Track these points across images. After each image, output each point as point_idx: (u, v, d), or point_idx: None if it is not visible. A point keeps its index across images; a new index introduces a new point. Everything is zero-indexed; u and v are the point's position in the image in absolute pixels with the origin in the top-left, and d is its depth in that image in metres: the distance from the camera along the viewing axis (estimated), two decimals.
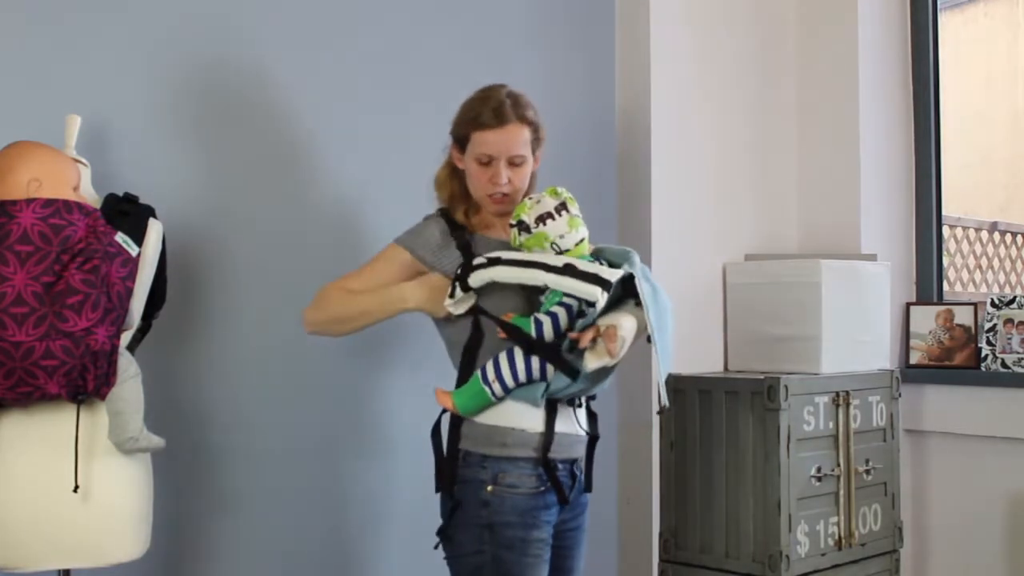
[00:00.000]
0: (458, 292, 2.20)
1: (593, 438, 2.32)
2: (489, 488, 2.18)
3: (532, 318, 2.15)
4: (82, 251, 1.94)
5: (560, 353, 2.14)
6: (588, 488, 2.34)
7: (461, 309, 2.23)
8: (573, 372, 2.14)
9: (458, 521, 2.21)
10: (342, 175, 2.84)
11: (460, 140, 2.32)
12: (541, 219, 2.19)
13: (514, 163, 2.27)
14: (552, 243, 2.19)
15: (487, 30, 3.16)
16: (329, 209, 2.82)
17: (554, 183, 2.31)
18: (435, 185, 2.39)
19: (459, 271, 2.22)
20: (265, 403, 2.67)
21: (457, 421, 2.24)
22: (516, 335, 2.15)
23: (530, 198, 2.24)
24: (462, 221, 2.33)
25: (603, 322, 2.14)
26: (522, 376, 2.16)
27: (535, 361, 2.15)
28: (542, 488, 2.19)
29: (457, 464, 2.22)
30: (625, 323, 2.16)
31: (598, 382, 2.23)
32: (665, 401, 2.27)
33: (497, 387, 2.17)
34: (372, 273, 2.33)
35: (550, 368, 2.15)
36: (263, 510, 2.66)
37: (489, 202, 2.30)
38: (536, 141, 2.32)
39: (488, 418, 2.21)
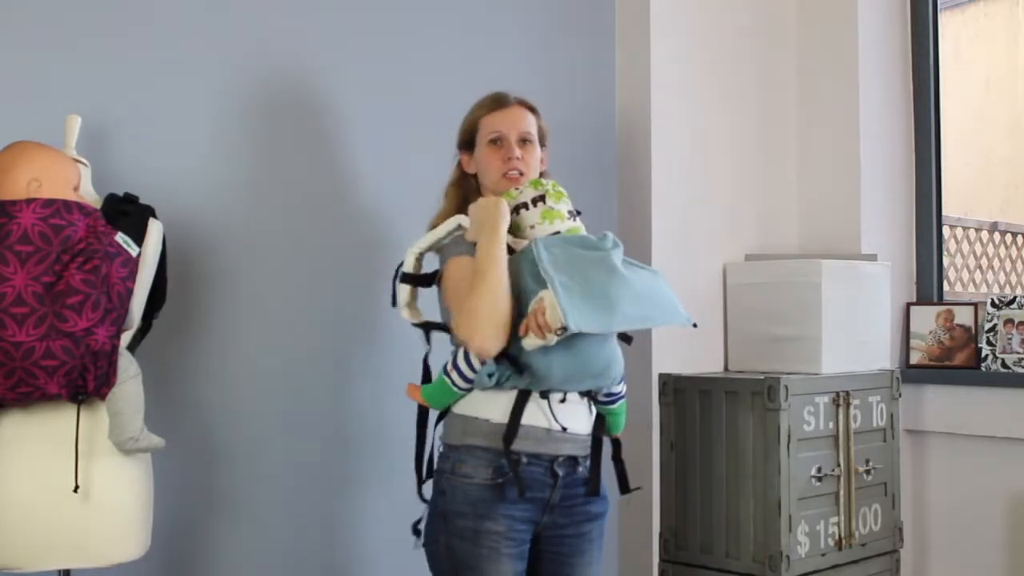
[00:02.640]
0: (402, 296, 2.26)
1: (595, 439, 2.26)
2: (448, 477, 2.20)
3: None
4: (82, 251, 1.94)
5: None
6: (593, 492, 2.26)
7: (410, 317, 2.28)
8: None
9: (428, 510, 2.25)
10: (342, 174, 2.84)
11: (468, 137, 2.37)
12: (517, 208, 2.20)
13: (523, 141, 2.32)
14: (523, 232, 2.19)
15: (488, 31, 3.16)
16: (329, 208, 2.82)
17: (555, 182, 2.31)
18: (444, 197, 2.41)
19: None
20: (265, 403, 2.67)
21: (424, 413, 2.29)
22: None
23: (516, 188, 2.25)
24: None
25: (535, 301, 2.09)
26: (476, 362, 2.16)
27: None
28: (499, 480, 2.15)
29: (425, 455, 2.28)
30: (548, 295, 2.08)
31: (549, 374, 2.13)
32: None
33: (455, 376, 2.19)
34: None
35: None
36: (263, 510, 2.66)
37: (505, 182, 2.30)
38: (540, 132, 2.38)
39: (457, 407, 2.23)
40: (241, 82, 2.67)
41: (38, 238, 1.91)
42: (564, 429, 2.20)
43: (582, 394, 2.24)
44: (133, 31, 2.49)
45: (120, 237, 2.01)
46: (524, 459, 2.16)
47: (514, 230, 2.20)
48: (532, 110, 2.38)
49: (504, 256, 2.13)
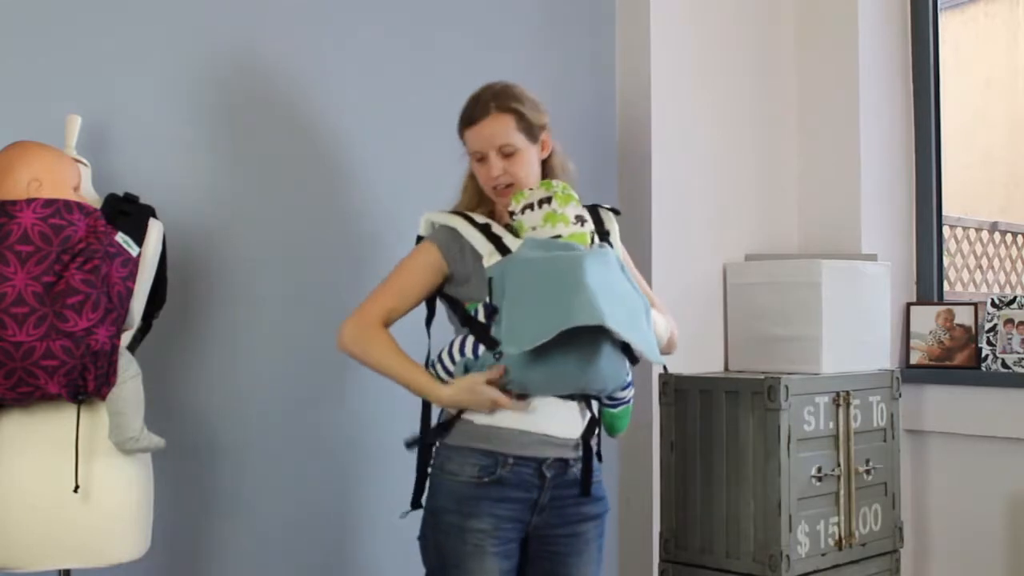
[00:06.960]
0: None
1: (585, 444, 2.23)
2: (437, 474, 2.21)
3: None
4: (82, 251, 1.94)
5: (487, 329, 2.14)
6: (584, 492, 2.24)
7: None
8: (492, 343, 2.12)
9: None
10: (341, 175, 2.84)
11: (463, 143, 2.34)
12: (524, 209, 2.20)
13: (505, 153, 2.25)
14: (525, 234, 2.18)
15: (488, 29, 3.16)
16: (329, 208, 2.82)
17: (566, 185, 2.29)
18: (462, 190, 2.38)
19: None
20: (266, 403, 2.67)
21: (426, 409, 2.28)
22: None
23: (531, 188, 2.24)
24: (484, 217, 2.29)
25: None
26: (456, 355, 2.18)
27: (469, 344, 2.17)
28: (485, 478, 2.15)
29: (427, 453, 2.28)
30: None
31: (525, 381, 2.13)
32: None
33: (439, 368, 2.21)
34: (401, 287, 2.27)
35: (484, 350, 2.15)
36: (263, 510, 2.66)
37: (496, 195, 2.29)
38: (529, 128, 2.28)
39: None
40: (242, 83, 2.67)
41: (38, 238, 1.91)
42: (535, 432, 2.17)
43: (564, 397, 2.20)
44: (133, 31, 2.49)
45: (120, 237, 2.01)
46: (511, 460, 2.16)
47: (521, 227, 2.19)
48: (511, 110, 2.25)
49: (400, 380, 2.23)
